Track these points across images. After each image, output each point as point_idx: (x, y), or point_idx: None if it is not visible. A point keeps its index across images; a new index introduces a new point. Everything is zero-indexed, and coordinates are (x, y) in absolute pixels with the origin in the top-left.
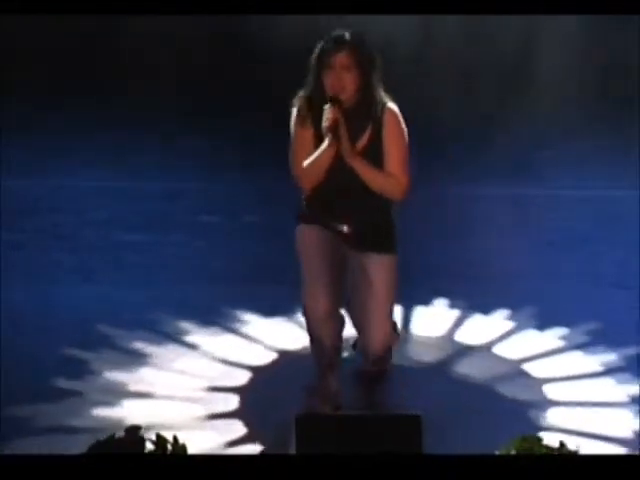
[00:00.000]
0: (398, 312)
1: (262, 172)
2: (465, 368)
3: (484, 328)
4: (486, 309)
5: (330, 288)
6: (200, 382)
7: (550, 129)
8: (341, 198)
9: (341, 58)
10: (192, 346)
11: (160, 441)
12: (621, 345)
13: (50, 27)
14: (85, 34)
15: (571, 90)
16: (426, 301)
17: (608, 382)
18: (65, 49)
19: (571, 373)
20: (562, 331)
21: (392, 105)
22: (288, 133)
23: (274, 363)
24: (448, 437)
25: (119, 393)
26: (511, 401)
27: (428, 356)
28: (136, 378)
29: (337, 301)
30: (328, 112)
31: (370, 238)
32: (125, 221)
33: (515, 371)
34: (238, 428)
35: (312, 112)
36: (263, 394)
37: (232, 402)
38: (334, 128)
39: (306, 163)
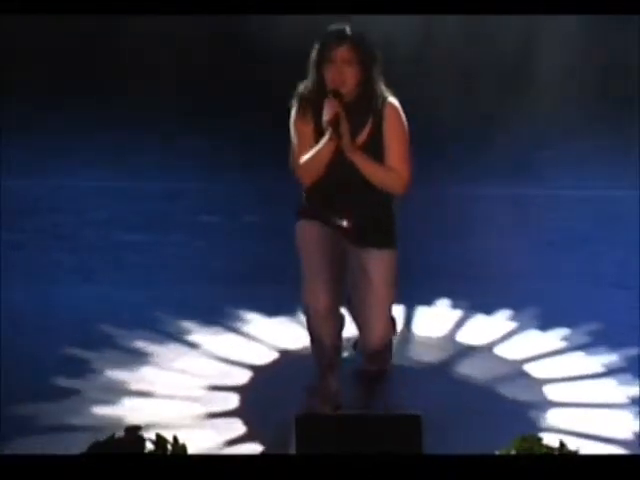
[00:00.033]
0: (399, 312)
1: (262, 172)
2: (465, 368)
3: (484, 328)
4: (486, 309)
5: (330, 285)
6: (200, 381)
7: (550, 129)
8: (341, 193)
9: (342, 52)
10: (192, 345)
11: (160, 441)
12: (621, 345)
13: (50, 27)
14: (85, 34)
15: (571, 90)
16: (426, 301)
17: (608, 383)
18: (65, 49)
19: (571, 374)
20: (562, 331)
21: (393, 99)
22: (288, 133)
23: (274, 363)
24: (448, 437)
25: (119, 392)
26: (512, 402)
27: (428, 356)
28: (136, 377)
29: (337, 298)
30: (329, 106)
31: (370, 233)
32: (125, 221)
33: (515, 371)
34: (238, 427)
35: (312, 106)
36: (263, 394)
37: (232, 401)
38: (335, 122)
39: (306, 157)
